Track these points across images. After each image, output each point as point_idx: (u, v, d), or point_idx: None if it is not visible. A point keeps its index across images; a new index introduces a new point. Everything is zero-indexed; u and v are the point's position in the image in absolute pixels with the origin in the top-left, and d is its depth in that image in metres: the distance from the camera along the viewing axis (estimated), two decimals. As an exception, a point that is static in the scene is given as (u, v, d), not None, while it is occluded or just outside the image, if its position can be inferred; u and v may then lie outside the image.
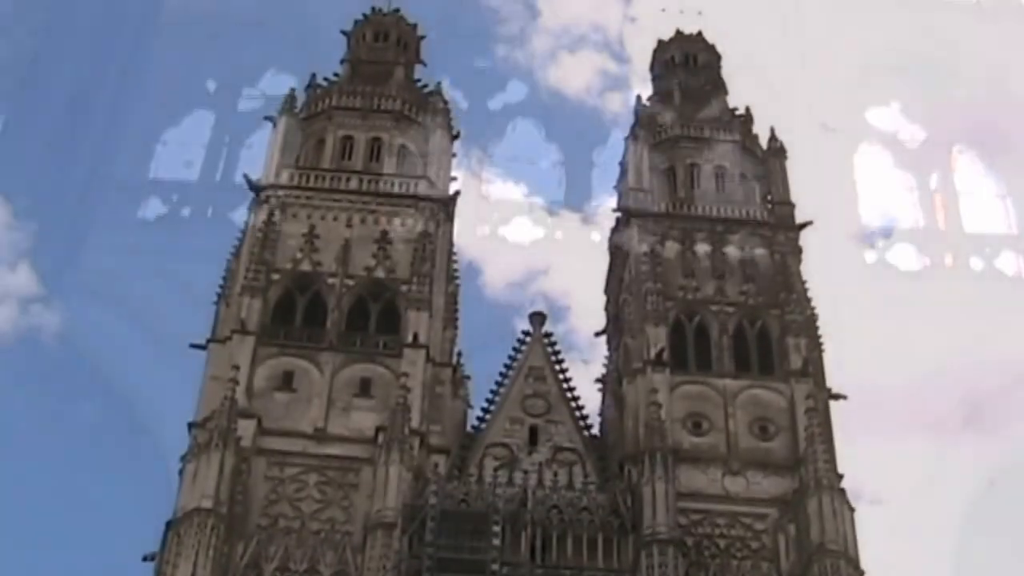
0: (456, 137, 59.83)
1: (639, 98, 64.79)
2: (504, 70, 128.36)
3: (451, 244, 55.85)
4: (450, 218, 56.19)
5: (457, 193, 57.19)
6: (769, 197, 58.77)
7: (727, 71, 67.68)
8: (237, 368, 47.90)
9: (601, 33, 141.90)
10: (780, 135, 61.17)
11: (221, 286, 52.55)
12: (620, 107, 68.14)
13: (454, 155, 59.56)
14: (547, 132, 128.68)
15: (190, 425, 47.12)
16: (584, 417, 50.79)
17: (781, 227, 56.86)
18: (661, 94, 65.45)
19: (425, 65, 66.28)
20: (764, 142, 61.35)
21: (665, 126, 61.81)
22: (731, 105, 64.68)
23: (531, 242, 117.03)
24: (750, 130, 62.57)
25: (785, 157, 59.99)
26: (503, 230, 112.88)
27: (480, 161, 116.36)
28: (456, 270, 55.49)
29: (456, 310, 53.93)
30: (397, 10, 66.78)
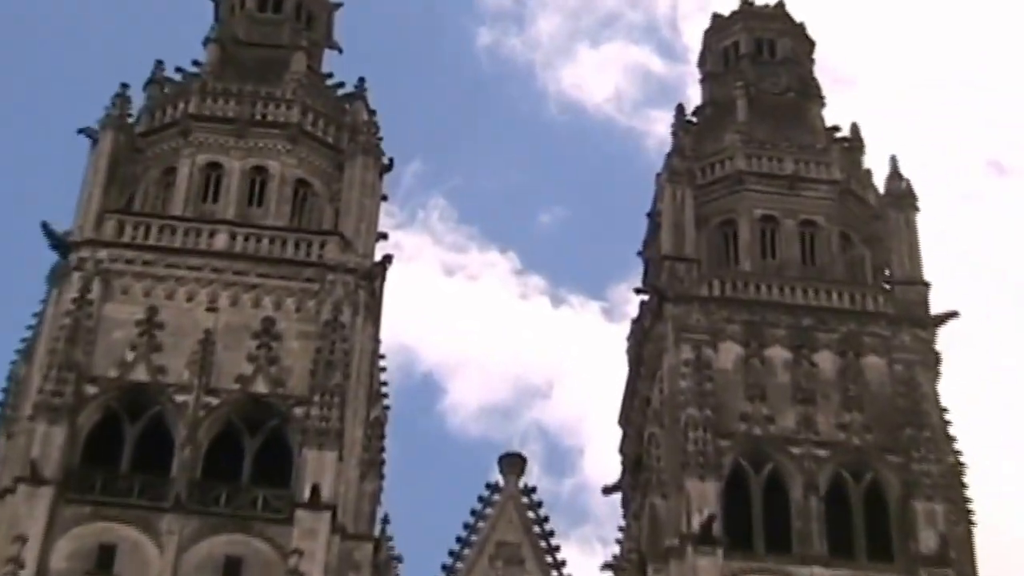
0: (388, 169, 51.47)
1: (680, 109, 55.72)
2: (488, 66, 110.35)
3: (376, 341, 48.70)
4: (377, 299, 48.70)
5: (387, 259, 49.43)
6: (888, 272, 51.36)
7: (823, 68, 59.88)
8: (23, 540, 41.17)
9: (641, 13, 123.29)
10: (909, 172, 52.79)
11: (0, 404, 45.77)
12: (668, 130, 59.19)
13: (384, 198, 51.56)
14: (552, 168, 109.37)
15: (-58, 638, 41.25)
16: (587, 626, 44.69)
17: (907, 321, 49.18)
18: (717, 104, 57.31)
19: (341, 52, 57.66)
20: (881, 183, 52.98)
21: (721, 156, 53.42)
22: (829, 123, 56.29)
23: (524, 344, 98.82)
24: (860, 163, 54.46)
25: (916, 209, 51.94)
26: (480, 324, 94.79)
27: (443, 213, 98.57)
28: (385, 382, 48.89)
29: (382, 448, 47.04)
30: (297, -36, 59.22)
